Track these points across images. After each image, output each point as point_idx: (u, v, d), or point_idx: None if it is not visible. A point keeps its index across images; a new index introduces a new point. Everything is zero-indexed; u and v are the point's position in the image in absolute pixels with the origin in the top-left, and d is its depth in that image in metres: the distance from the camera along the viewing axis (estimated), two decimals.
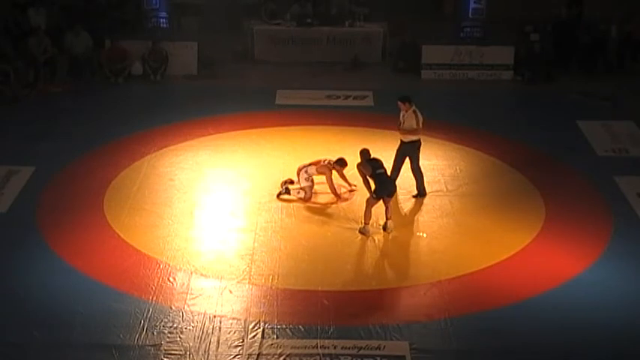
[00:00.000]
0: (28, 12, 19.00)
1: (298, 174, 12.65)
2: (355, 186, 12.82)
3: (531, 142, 14.94)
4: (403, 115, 12.64)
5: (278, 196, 12.60)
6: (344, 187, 12.80)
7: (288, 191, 12.63)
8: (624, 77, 18.79)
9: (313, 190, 12.62)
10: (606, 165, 14.07)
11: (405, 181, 13.28)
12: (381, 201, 11.66)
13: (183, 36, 19.53)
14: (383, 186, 11.69)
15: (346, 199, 12.62)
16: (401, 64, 19.02)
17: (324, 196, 12.71)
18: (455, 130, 15.28)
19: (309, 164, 12.62)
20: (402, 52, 19.24)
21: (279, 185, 12.76)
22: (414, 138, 12.71)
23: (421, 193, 12.87)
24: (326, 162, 12.62)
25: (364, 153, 12.04)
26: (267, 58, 19.60)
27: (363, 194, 12.74)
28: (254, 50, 19.75)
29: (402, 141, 12.83)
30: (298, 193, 12.61)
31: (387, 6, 20.29)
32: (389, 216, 11.75)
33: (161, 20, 19.76)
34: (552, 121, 16.12)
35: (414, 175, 12.88)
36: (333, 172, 12.60)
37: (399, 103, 12.68)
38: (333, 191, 12.62)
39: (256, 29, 19.82)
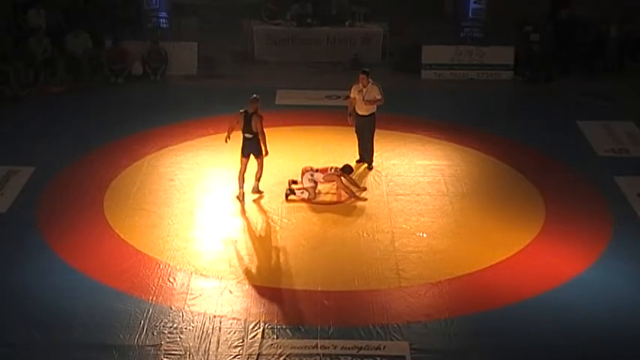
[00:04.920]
0: (29, 13, 19.00)
1: (302, 175, 12.66)
2: (365, 188, 12.89)
3: (531, 142, 14.93)
4: (361, 90, 13.35)
5: (287, 197, 12.61)
6: (353, 189, 12.84)
7: (292, 192, 12.65)
8: (624, 77, 18.81)
9: (317, 191, 12.64)
10: (606, 165, 14.06)
11: (406, 180, 13.33)
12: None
13: (183, 36, 19.54)
14: None
15: (365, 199, 12.65)
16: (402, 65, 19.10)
17: (326, 196, 12.74)
18: (455, 130, 15.28)
19: (317, 170, 12.65)
20: (403, 53, 19.28)
21: (287, 185, 12.78)
22: (372, 110, 13.49)
23: (369, 166, 13.73)
24: (332, 170, 12.67)
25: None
26: (267, 58, 19.61)
27: (367, 196, 12.79)
28: (254, 50, 19.76)
29: (360, 115, 13.54)
30: (302, 193, 12.62)
31: (387, 6, 20.31)
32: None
33: (161, 20, 19.75)
34: (552, 121, 16.12)
35: (366, 148, 13.63)
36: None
37: (363, 75, 13.40)
38: (350, 193, 12.66)
39: (256, 29, 19.82)
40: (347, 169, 12.80)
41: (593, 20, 19.44)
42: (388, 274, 10.74)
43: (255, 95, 12.58)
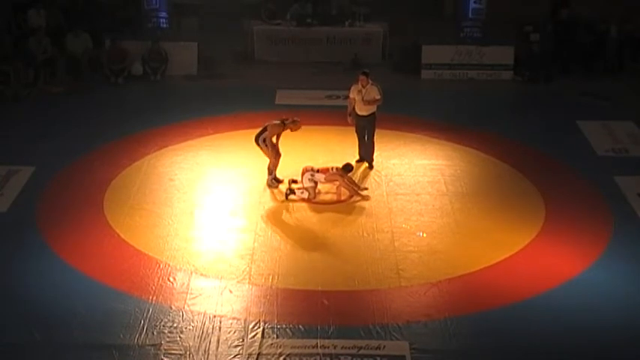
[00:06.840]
0: (29, 13, 19.01)
1: (302, 175, 12.66)
2: (366, 188, 12.89)
3: (531, 142, 14.93)
4: (360, 91, 13.38)
5: (287, 197, 12.61)
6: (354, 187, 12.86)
7: (292, 192, 12.65)
8: (624, 77, 18.81)
9: (317, 190, 12.64)
10: (606, 165, 14.06)
11: (406, 180, 13.33)
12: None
13: (184, 36, 19.55)
14: None
15: (368, 197, 12.66)
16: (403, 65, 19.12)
17: (326, 195, 12.74)
18: (455, 130, 15.28)
19: (317, 170, 12.65)
20: (403, 53, 19.29)
21: (287, 184, 12.79)
22: (372, 110, 13.50)
23: (369, 166, 13.74)
24: (334, 170, 12.66)
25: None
26: (267, 58, 19.62)
27: (369, 196, 12.79)
28: (254, 50, 19.77)
29: (360, 115, 13.57)
30: (302, 193, 12.62)
31: (387, 6, 20.32)
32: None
33: (161, 20, 19.78)
34: (552, 121, 16.13)
35: (366, 147, 13.68)
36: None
37: (362, 76, 13.43)
38: (352, 191, 12.67)
39: (256, 29, 19.84)
40: (347, 168, 12.79)
41: (593, 20, 19.44)
42: (388, 273, 10.74)
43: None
